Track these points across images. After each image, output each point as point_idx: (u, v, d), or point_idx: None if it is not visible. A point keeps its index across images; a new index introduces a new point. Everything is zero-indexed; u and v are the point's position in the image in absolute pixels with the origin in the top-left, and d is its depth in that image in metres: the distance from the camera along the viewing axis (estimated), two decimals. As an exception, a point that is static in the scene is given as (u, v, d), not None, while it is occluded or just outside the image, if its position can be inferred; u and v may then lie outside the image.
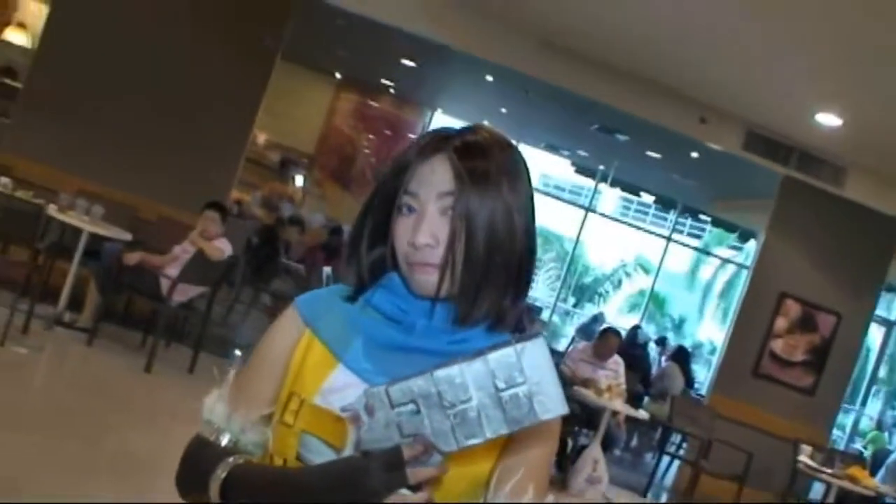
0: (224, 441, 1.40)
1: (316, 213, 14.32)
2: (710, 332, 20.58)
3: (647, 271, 20.70)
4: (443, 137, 1.39)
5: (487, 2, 8.55)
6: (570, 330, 17.95)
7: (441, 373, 1.17)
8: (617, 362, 8.85)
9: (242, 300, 10.88)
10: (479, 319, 1.36)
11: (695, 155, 11.21)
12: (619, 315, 20.22)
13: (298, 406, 1.35)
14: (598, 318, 16.82)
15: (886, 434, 16.12)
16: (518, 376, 1.17)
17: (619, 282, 21.84)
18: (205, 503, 1.32)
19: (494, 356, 1.17)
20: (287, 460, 1.35)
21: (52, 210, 7.28)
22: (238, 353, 9.48)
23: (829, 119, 8.21)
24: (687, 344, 17.19)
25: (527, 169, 1.42)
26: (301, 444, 1.33)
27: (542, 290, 19.65)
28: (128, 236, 7.74)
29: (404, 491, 1.17)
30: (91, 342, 7.22)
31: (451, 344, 1.35)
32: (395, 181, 1.39)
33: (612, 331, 9.19)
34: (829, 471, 8.50)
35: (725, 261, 20.48)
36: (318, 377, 1.37)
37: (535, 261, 1.41)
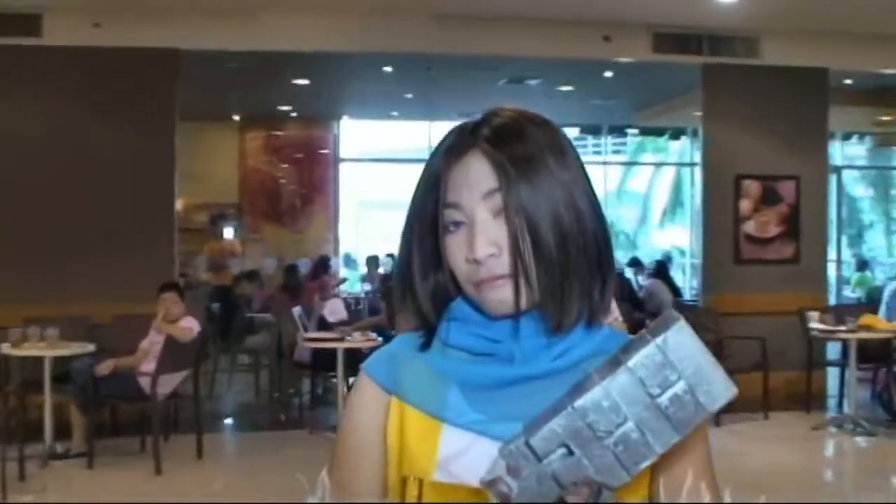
0: None
1: (266, 258, 14.07)
2: (672, 237, 20.55)
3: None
4: (467, 131, 1.19)
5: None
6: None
7: (583, 402, 0.98)
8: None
9: (222, 368, 10.62)
10: (573, 323, 1.17)
11: (609, 74, 11.09)
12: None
13: (418, 489, 1.15)
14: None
15: (869, 272, 16.26)
16: (671, 374, 0.98)
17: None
18: None
19: (637, 361, 0.98)
20: None
21: (5, 349, 7.02)
22: (228, 421, 9.27)
23: (728, -6, 8.15)
24: (656, 257, 17.21)
25: (569, 140, 1.22)
26: None
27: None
28: (91, 347, 7.46)
29: None
30: (91, 464, 6.93)
31: (556, 360, 1.16)
32: (430, 197, 1.19)
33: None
34: (844, 328, 8.46)
35: (659, 164, 20.42)
36: (427, 449, 1.16)
37: (611, 236, 1.22)
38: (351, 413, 1.27)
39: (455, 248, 1.16)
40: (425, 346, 1.24)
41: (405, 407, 1.20)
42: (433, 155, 1.22)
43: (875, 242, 18.81)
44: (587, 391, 0.98)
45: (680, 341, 0.99)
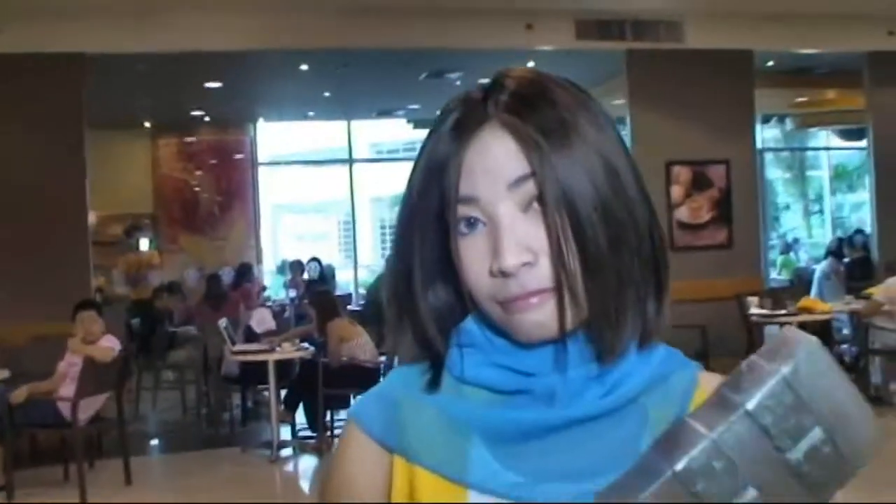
0: None
1: (187, 268, 13.61)
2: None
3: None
4: (475, 102, 0.90)
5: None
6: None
7: (687, 463, 0.70)
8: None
9: (146, 386, 10.16)
10: (627, 345, 0.89)
11: (531, 64, 10.86)
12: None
13: None
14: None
15: (793, 254, 16.38)
16: (804, 418, 0.71)
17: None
18: None
19: (759, 403, 0.71)
20: None
21: None
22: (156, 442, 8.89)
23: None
24: None
25: (593, 98, 0.94)
26: None
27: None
28: (5, 373, 7.05)
29: None
30: (11, 497, 6.51)
31: (607, 395, 0.89)
32: (432, 190, 0.91)
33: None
34: (784, 312, 8.36)
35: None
36: None
37: (658, 221, 0.94)
38: (340, 474, 0.97)
39: (472, 256, 0.88)
40: (432, 383, 0.95)
41: (413, 468, 0.91)
42: (433, 134, 0.93)
43: (793, 224, 18.97)
44: (690, 448, 0.71)
45: (814, 371, 0.72)
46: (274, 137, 16.06)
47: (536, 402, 0.89)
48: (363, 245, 17.51)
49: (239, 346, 8.16)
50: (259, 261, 14.81)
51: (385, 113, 14.86)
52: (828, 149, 18.01)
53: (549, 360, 0.88)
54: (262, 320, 8.92)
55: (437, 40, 8.97)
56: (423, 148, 0.93)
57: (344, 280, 15.55)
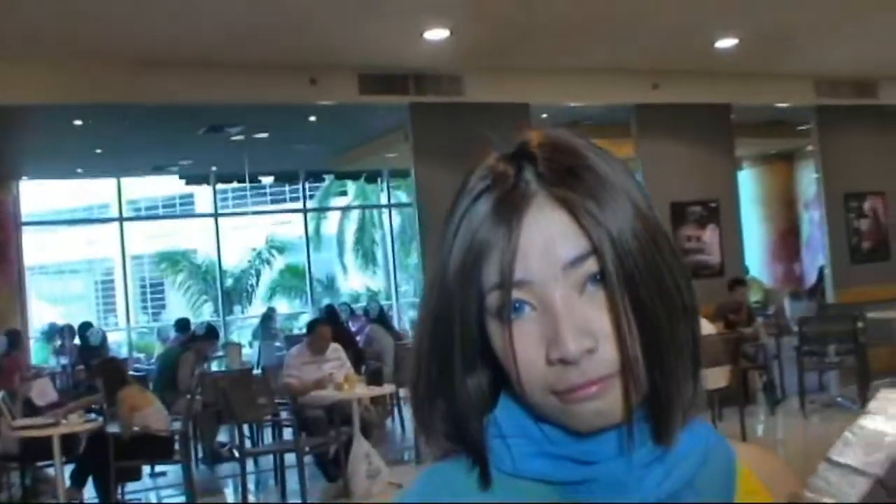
0: None
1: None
2: (364, 280, 20.52)
3: (281, 251, 20.17)
4: (509, 177, 0.85)
5: (39, 41, 7.56)
6: (243, 338, 17.38)
7: None
8: (336, 349, 8.63)
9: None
10: (679, 426, 0.86)
11: (313, 119, 10.86)
12: (280, 301, 19.71)
13: None
14: (270, 315, 16.29)
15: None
16: None
17: (259, 271, 20.90)
18: None
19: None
20: None
21: None
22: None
23: (437, 34, 8.15)
24: (343, 300, 17.37)
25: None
26: None
27: (196, 313, 18.49)
28: None
29: None
30: None
31: (668, 479, 0.86)
32: (473, 276, 0.84)
33: (320, 321, 9.07)
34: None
35: (345, 208, 20.38)
36: None
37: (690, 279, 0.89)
38: None
39: (523, 344, 0.82)
40: (484, 481, 0.87)
41: None
42: (465, 217, 0.86)
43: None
44: None
45: None
46: (38, 196, 15.32)
47: (603, 490, 0.85)
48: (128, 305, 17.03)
49: (20, 422, 7.62)
50: (26, 326, 13.96)
51: (158, 169, 14.44)
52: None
53: (611, 446, 0.84)
54: (42, 392, 8.36)
55: (218, 95, 8.75)
56: (453, 232, 0.86)
57: (113, 343, 14.95)
